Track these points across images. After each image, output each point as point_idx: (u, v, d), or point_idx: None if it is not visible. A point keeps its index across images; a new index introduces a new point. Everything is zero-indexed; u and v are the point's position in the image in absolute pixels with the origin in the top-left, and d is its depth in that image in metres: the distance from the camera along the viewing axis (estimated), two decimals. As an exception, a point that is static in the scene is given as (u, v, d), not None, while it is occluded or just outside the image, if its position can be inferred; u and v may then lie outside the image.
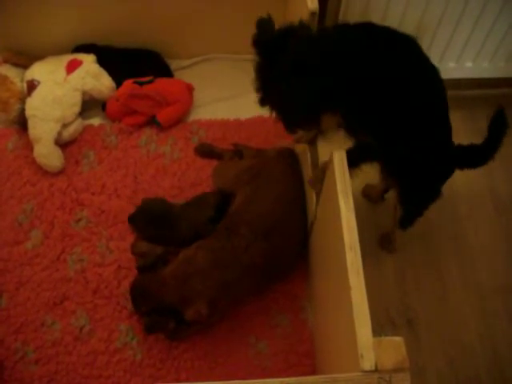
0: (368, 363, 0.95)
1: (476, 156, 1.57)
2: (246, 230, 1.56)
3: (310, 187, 1.60)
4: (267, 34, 1.28)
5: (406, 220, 1.71)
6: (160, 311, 1.52)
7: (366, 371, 0.94)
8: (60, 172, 1.90)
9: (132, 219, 1.77)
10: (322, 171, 1.45)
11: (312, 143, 1.46)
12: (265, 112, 1.39)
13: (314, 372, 1.56)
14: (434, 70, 1.37)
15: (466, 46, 2.00)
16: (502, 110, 1.49)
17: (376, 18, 1.86)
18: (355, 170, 1.37)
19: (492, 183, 2.09)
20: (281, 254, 1.62)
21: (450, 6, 1.83)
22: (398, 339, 0.97)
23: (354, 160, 1.35)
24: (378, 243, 1.92)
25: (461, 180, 2.06)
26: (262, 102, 1.33)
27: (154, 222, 1.74)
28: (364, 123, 1.34)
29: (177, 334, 1.58)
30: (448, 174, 1.58)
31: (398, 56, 1.29)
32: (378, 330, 1.01)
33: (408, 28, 1.89)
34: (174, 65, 2.18)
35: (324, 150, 1.42)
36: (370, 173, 1.56)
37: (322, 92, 1.22)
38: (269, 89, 1.30)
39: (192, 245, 1.59)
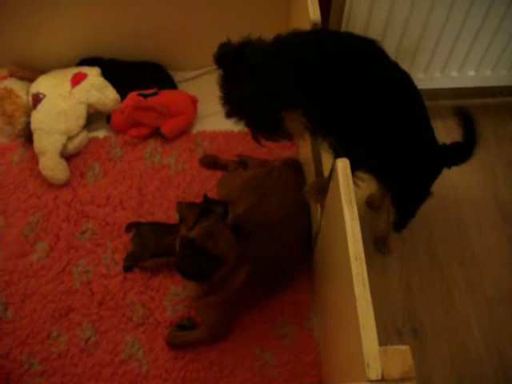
0: (374, 372, 0.94)
1: (460, 152, 1.61)
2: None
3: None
4: (226, 50, 1.32)
5: (400, 222, 1.73)
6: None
7: (373, 381, 0.93)
8: (65, 184, 1.91)
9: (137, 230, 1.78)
10: (319, 184, 1.46)
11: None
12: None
13: (320, 382, 1.56)
14: (399, 71, 1.38)
15: (469, 54, 2.01)
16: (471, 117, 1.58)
17: (378, 27, 1.88)
18: (353, 178, 1.37)
19: (496, 189, 2.08)
20: (285, 260, 1.62)
21: (453, 12, 1.85)
22: (404, 348, 0.96)
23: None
24: (374, 245, 1.92)
25: (465, 186, 2.07)
26: (228, 115, 1.32)
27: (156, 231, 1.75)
28: (325, 122, 1.33)
29: (176, 337, 1.60)
30: (436, 174, 1.60)
31: (355, 57, 1.30)
32: (384, 339, 1.01)
33: (411, 36, 1.91)
34: (177, 77, 2.20)
35: (329, 160, 1.42)
36: (371, 181, 1.58)
37: (272, 92, 1.23)
38: (231, 98, 1.30)
39: None
